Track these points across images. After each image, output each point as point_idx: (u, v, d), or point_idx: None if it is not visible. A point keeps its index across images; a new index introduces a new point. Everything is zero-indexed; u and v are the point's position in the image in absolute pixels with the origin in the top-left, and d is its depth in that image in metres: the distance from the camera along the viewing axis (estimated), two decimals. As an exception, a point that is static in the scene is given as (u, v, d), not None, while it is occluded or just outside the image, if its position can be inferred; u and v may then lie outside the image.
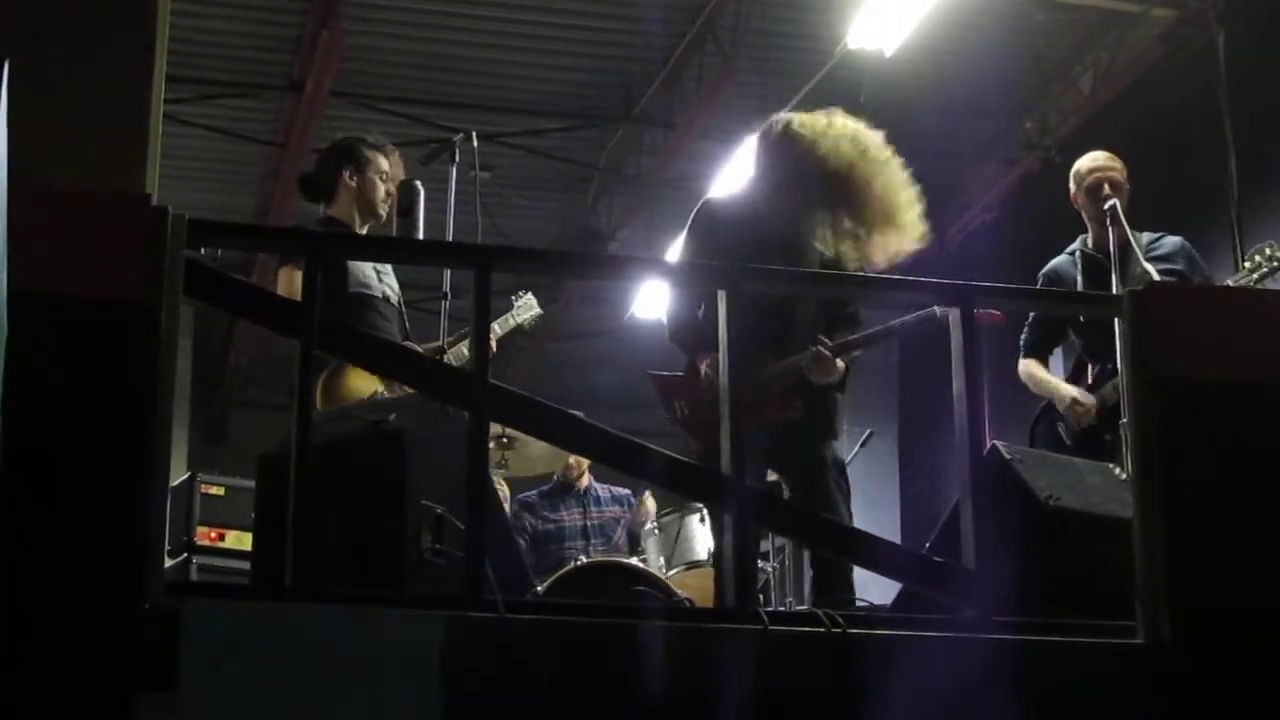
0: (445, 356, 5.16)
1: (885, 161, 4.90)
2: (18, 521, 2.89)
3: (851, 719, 3.28)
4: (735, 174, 9.73)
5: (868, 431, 8.69)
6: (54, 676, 2.92)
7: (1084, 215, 5.66)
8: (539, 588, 4.93)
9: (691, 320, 5.04)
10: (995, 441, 4.11)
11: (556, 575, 5.39)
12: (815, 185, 4.92)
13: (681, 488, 4.28)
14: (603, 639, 3.29)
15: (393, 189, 5.28)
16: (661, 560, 6.48)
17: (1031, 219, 9.63)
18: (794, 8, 9.66)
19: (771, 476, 5.22)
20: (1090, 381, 5.57)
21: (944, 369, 3.79)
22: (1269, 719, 3.43)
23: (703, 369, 4.94)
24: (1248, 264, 5.40)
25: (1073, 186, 5.67)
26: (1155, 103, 9.22)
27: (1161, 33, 9.30)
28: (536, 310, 5.81)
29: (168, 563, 5.93)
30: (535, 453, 6.11)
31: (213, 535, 6.85)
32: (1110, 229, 5.42)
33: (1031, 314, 5.75)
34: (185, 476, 7.09)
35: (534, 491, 7.77)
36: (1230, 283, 5.41)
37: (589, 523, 7.63)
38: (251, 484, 4.44)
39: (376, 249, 4.88)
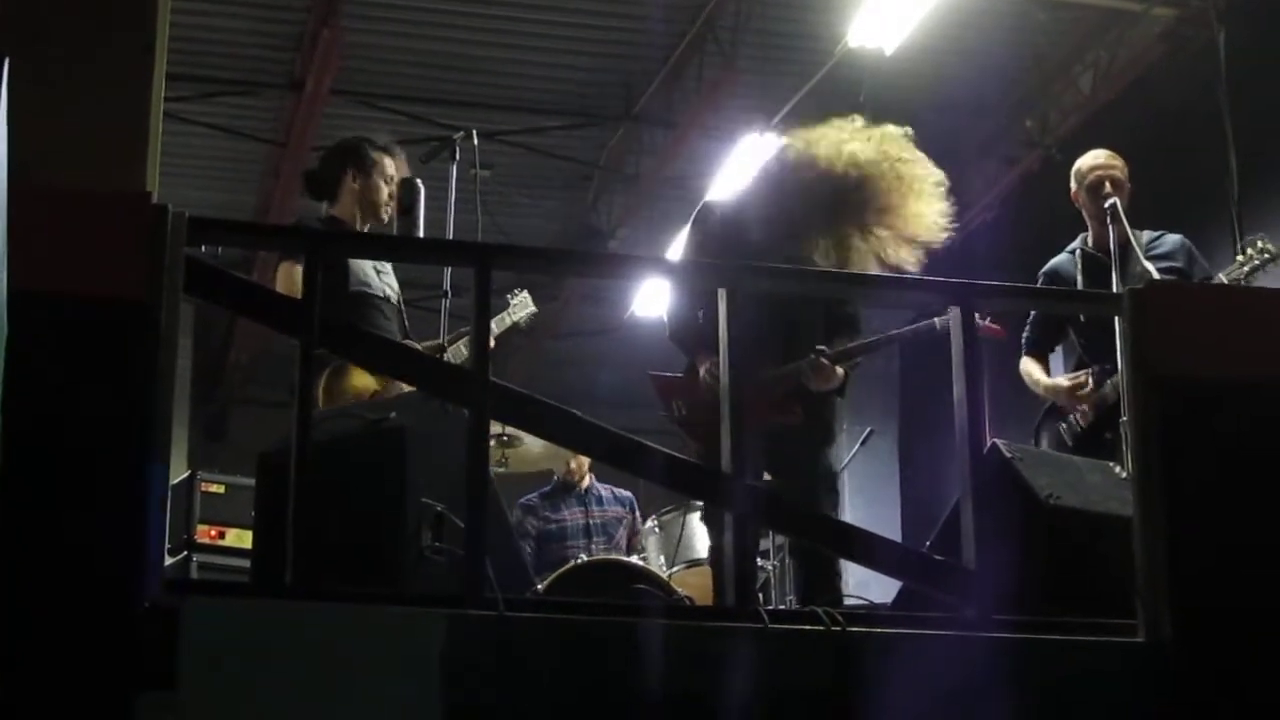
0: (444, 355, 5.16)
1: (893, 169, 4.80)
2: (17, 520, 2.89)
3: (851, 717, 3.28)
4: (735, 173, 9.73)
5: (868, 430, 8.68)
6: (54, 675, 2.92)
7: (1084, 214, 5.66)
8: (539, 586, 4.93)
9: (691, 320, 5.03)
10: (995, 440, 4.11)
11: (557, 573, 5.39)
12: (817, 208, 4.86)
13: (681, 486, 4.28)
14: (603, 637, 3.29)
15: (395, 190, 5.28)
16: (661, 559, 6.48)
17: (1032, 218, 9.63)
18: (794, 7, 9.66)
19: (766, 478, 5.21)
20: (1091, 382, 5.56)
21: (945, 370, 3.79)
22: (1269, 717, 3.43)
23: (702, 371, 4.94)
24: (1239, 257, 5.41)
25: (1073, 185, 5.67)
26: (1156, 101, 9.22)
27: (1162, 31, 9.30)
28: (532, 309, 5.81)
29: (168, 561, 5.96)
30: (536, 453, 6.12)
31: (213, 533, 6.84)
32: (1111, 227, 5.42)
33: (1032, 314, 5.75)
34: (185, 474, 7.08)
35: (535, 494, 7.78)
36: (1223, 276, 5.41)
37: (591, 521, 7.64)
38: (252, 482, 4.44)
39: (377, 247, 4.87)
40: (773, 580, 6.55)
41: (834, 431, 5.13)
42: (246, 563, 5.54)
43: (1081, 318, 5.55)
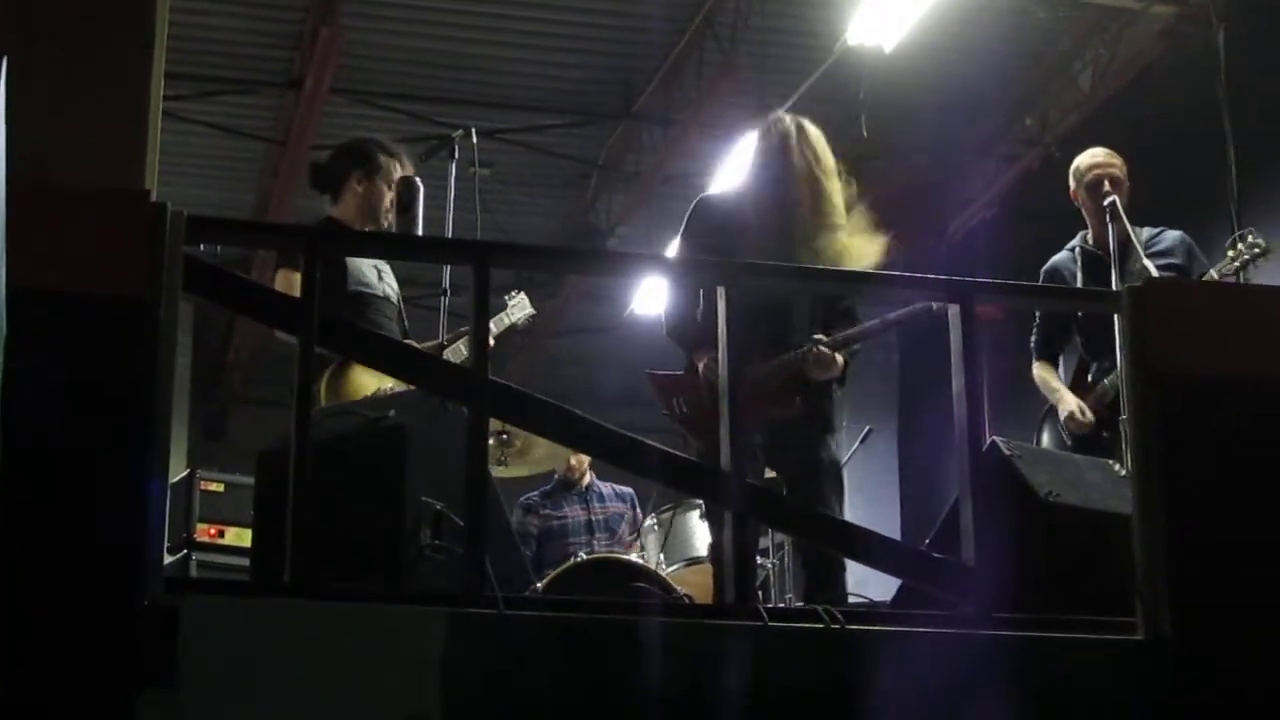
0: (444, 354, 5.16)
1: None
2: (17, 518, 2.89)
3: (851, 715, 3.27)
4: (734, 171, 9.73)
5: (867, 428, 8.67)
6: (53, 674, 2.92)
7: (1084, 212, 5.66)
8: (539, 584, 4.93)
9: (689, 317, 5.04)
10: (995, 438, 4.11)
11: (556, 571, 5.39)
12: (792, 182, 4.99)
13: (680, 484, 4.28)
14: (602, 635, 3.29)
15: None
16: (660, 556, 6.47)
17: (1031, 215, 9.62)
18: (793, 4, 9.65)
19: (770, 473, 5.21)
20: (1091, 381, 5.57)
21: (944, 366, 3.79)
22: (1269, 715, 3.43)
23: (700, 367, 4.95)
24: (1230, 253, 5.42)
25: (1072, 183, 5.67)
26: (1155, 99, 9.22)
27: (1161, 29, 9.31)
28: (530, 310, 5.81)
29: (167, 559, 5.95)
30: (540, 453, 6.11)
31: (212, 532, 6.84)
32: (1110, 225, 5.42)
33: (1039, 315, 5.76)
34: (185, 473, 7.08)
35: (535, 493, 7.79)
36: (1213, 272, 5.42)
37: (592, 518, 7.65)
38: (251, 480, 4.44)
39: (375, 245, 4.87)
40: (772, 578, 6.55)
41: (834, 422, 5.13)
42: (246, 561, 5.53)
43: (1081, 316, 5.55)
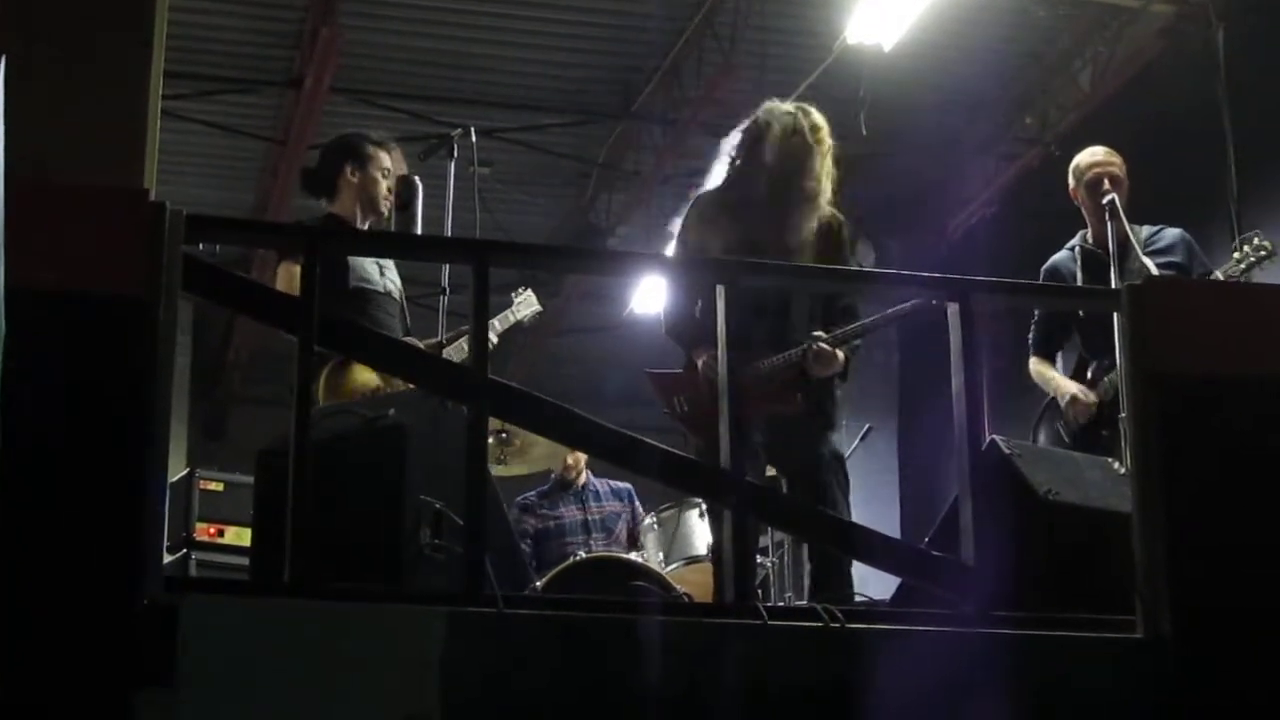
0: (445, 353, 5.16)
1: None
2: (16, 518, 2.89)
3: (850, 714, 3.27)
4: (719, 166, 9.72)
5: (866, 427, 8.67)
6: (53, 673, 2.92)
7: (1083, 210, 5.66)
8: (538, 583, 4.92)
9: (689, 315, 5.04)
10: (994, 436, 4.11)
11: (555, 571, 5.38)
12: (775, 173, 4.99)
13: (680, 483, 4.28)
14: (602, 634, 3.29)
15: (393, 184, 5.29)
16: (660, 555, 6.47)
17: (1031, 214, 9.61)
18: (793, 3, 9.65)
19: (770, 471, 5.22)
20: (1090, 379, 5.57)
21: (944, 365, 3.79)
22: (1268, 714, 3.43)
23: (700, 365, 4.95)
24: (1236, 255, 5.41)
25: (1072, 182, 5.67)
26: (1155, 98, 9.22)
27: (1161, 28, 9.30)
28: (536, 307, 5.81)
29: (166, 559, 5.95)
30: (539, 451, 6.11)
31: (212, 531, 6.84)
32: (1109, 224, 5.42)
33: (1038, 312, 5.76)
34: (184, 472, 7.08)
35: (532, 493, 7.78)
36: (1219, 273, 5.41)
37: (589, 517, 7.63)
38: (251, 480, 4.44)
39: (375, 244, 4.87)
40: (772, 577, 6.54)
41: (834, 419, 5.13)
42: (245, 560, 5.53)
43: (1081, 315, 5.55)
